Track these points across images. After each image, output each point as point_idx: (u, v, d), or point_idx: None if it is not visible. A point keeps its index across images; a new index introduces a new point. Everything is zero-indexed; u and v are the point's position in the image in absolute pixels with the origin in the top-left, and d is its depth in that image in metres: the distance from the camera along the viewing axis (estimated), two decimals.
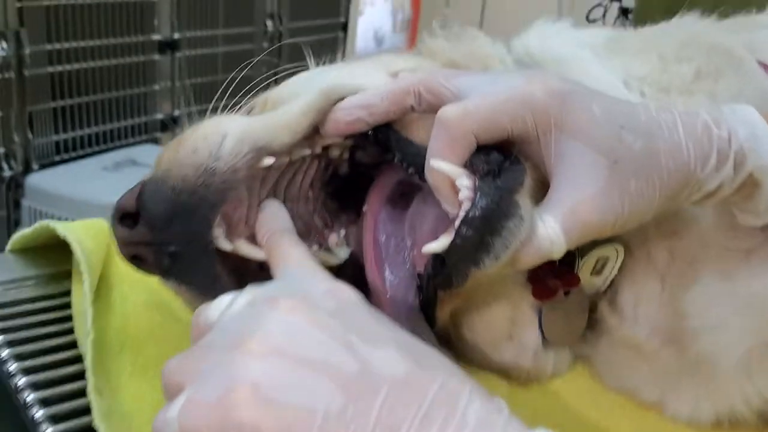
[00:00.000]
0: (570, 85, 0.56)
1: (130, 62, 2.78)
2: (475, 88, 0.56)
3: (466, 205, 0.53)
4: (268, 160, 0.62)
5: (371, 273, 0.64)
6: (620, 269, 0.68)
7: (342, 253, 0.67)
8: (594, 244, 0.65)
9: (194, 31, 3.02)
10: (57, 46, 2.48)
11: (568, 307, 0.70)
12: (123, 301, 0.78)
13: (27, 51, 2.35)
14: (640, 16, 2.96)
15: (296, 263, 0.53)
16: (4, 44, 2.25)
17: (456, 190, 0.54)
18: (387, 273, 0.63)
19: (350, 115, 0.61)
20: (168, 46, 2.92)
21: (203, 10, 3.03)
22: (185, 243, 0.59)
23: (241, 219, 0.64)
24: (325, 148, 0.66)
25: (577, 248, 0.64)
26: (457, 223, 0.52)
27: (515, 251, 0.53)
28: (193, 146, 0.61)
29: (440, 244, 0.53)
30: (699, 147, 0.53)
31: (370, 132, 0.62)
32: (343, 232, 0.69)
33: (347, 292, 0.47)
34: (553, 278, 0.67)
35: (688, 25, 0.76)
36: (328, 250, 0.67)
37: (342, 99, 0.61)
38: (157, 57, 2.90)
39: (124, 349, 0.71)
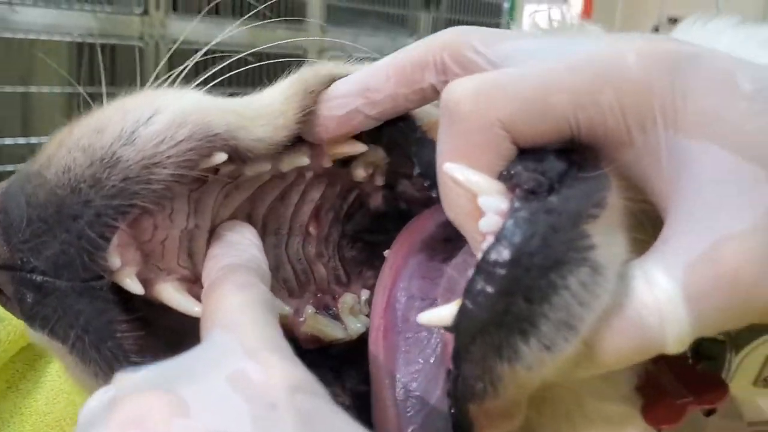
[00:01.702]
0: (690, 47, 0.36)
1: None
2: (524, 57, 0.38)
3: (487, 242, 0.33)
4: (220, 157, 0.41)
5: (373, 357, 0.43)
6: None
7: (356, 326, 0.49)
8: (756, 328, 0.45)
9: None
10: None
11: None
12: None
13: None
14: None
15: (225, 319, 0.34)
16: None
17: (479, 215, 0.36)
18: (400, 363, 0.43)
19: (342, 106, 0.43)
20: None
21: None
22: (58, 270, 0.39)
23: (173, 246, 0.44)
24: (345, 162, 0.48)
25: (729, 334, 0.45)
26: (469, 274, 0.33)
27: (588, 336, 0.32)
28: (100, 122, 0.41)
29: (441, 313, 0.35)
30: None
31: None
32: (365, 294, 0.51)
33: (285, 378, 0.29)
34: (680, 388, 0.44)
35: None
36: (335, 316, 0.49)
37: (334, 79, 0.45)
38: None
39: None
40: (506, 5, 3.77)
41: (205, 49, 0.52)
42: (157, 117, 0.40)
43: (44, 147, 0.42)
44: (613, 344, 0.33)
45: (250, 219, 0.49)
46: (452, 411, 0.37)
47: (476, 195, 0.35)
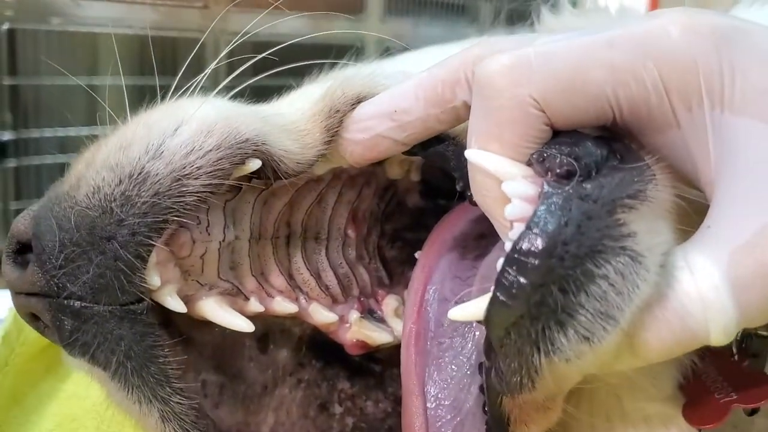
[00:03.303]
0: (736, 21, 0.33)
1: None
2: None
3: (516, 231, 0.32)
4: (254, 163, 0.40)
5: (404, 364, 0.41)
6: None
7: (400, 327, 0.47)
8: None
9: None
10: None
11: None
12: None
13: None
14: None
15: None
16: None
17: (505, 202, 0.34)
18: (432, 370, 0.41)
19: (369, 128, 0.41)
20: None
21: None
22: (95, 294, 0.38)
23: (213, 260, 0.43)
24: (379, 162, 0.46)
25: None
26: (499, 264, 0.31)
27: (628, 327, 0.31)
28: (124, 139, 0.39)
29: (471, 308, 0.33)
30: None
31: None
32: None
33: None
34: (724, 386, 0.42)
35: None
36: (380, 320, 0.48)
37: (362, 99, 0.42)
38: None
39: None
40: None
41: (235, 40, 0.51)
42: (183, 128, 0.39)
43: (72, 167, 0.42)
44: (655, 335, 0.31)
45: (289, 226, 0.48)
46: (485, 409, 0.36)
47: (501, 181, 0.34)
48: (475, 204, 0.38)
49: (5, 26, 1.74)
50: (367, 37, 2.45)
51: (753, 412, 0.43)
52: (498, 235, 0.41)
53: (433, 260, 0.45)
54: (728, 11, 0.54)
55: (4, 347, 0.59)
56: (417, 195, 0.52)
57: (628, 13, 0.56)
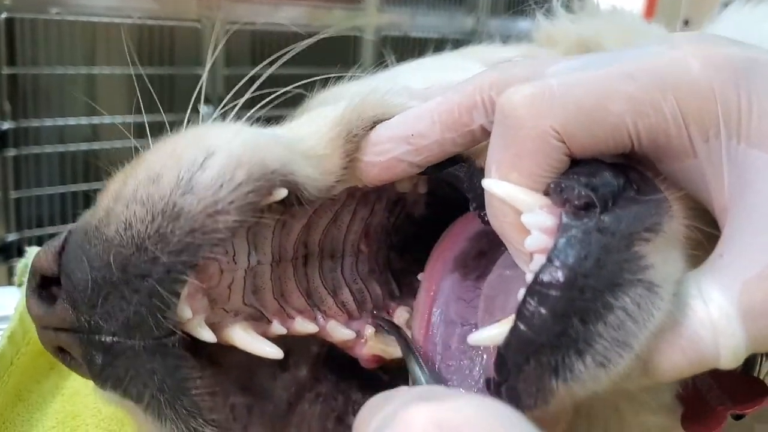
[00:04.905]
0: (755, 52, 0.34)
1: None
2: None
3: (536, 263, 0.33)
4: (281, 193, 0.40)
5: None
6: None
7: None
8: None
9: None
10: None
11: None
12: None
13: None
14: None
15: None
16: None
17: (525, 232, 0.35)
18: (436, 374, 0.41)
19: (385, 152, 0.42)
20: None
21: None
22: (129, 330, 0.38)
23: (239, 287, 0.43)
24: None
25: None
26: (520, 295, 0.32)
27: (642, 352, 0.32)
28: (153, 170, 0.39)
29: (491, 333, 0.34)
30: None
31: None
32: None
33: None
34: (719, 393, 0.43)
35: None
36: (384, 319, 0.48)
37: (377, 121, 0.43)
38: None
39: None
40: None
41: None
42: (212, 160, 0.38)
43: (99, 199, 0.41)
44: (667, 359, 0.32)
45: (306, 246, 0.48)
46: None
47: (519, 210, 0.35)
48: (487, 223, 0.38)
49: (3, 15, 1.74)
50: (365, 27, 2.45)
51: (739, 417, 0.44)
52: (497, 253, 0.43)
53: (437, 283, 0.46)
54: (721, 12, 0.55)
55: (9, 347, 0.59)
56: (423, 205, 0.52)
57: (621, 15, 0.56)
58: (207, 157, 0.38)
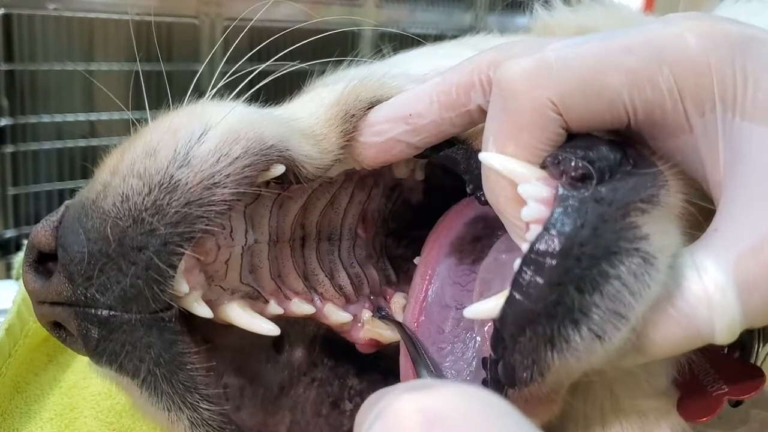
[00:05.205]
0: (751, 29, 0.34)
1: None
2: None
3: (533, 232, 0.32)
4: (278, 169, 0.40)
5: (404, 362, 0.42)
6: None
7: None
8: None
9: None
10: None
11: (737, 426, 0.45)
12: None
13: None
14: None
15: None
16: None
17: (521, 205, 0.34)
18: (433, 362, 0.41)
19: (383, 132, 0.41)
20: None
21: None
22: (125, 303, 0.37)
23: (236, 265, 0.43)
24: None
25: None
26: (516, 265, 0.32)
27: (637, 325, 0.32)
28: (150, 144, 0.39)
29: (488, 306, 0.34)
30: None
31: None
32: None
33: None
34: (715, 378, 0.42)
35: None
36: (387, 317, 0.48)
37: (375, 102, 0.43)
38: None
39: None
40: None
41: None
42: (209, 134, 0.39)
43: (96, 175, 0.41)
44: (662, 333, 0.32)
45: (303, 228, 0.48)
46: None
47: (515, 183, 0.34)
48: (484, 203, 0.38)
49: (1, 11, 1.73)
50: (364, 23, 2.44)
51: (737, 404, 0.44)
52: (493, 238, 0.43)
53: (432, 267, 0.46)
54: (713, 9, 0.55)
55: (7, 339, 0.59)
56: (420, 192, 0.52)
57: (620, 7, 0.56)
58: (204, 132, 0.39)
